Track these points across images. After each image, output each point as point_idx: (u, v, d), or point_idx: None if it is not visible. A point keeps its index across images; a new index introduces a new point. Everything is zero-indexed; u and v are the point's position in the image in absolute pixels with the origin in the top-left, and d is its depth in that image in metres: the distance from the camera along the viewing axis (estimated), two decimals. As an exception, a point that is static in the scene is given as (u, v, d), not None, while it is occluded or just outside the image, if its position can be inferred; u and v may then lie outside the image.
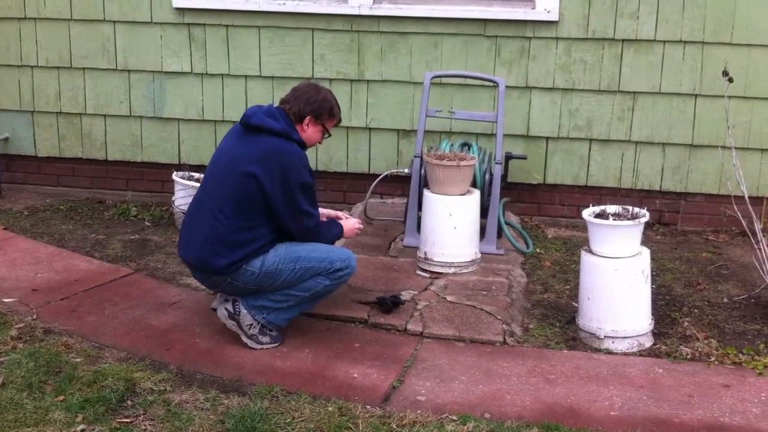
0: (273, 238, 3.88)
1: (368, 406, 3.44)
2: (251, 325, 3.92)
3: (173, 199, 5.72)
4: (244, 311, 3.92)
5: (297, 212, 3.86)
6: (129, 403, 3.43)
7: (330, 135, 4.14)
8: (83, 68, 6.23)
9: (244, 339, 3.94)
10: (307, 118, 3.97)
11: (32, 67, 6.30)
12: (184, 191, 5.61)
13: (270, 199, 3.79)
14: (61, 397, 3.42)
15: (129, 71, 6.18)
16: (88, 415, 3.30)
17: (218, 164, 3.97)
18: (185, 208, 5.61)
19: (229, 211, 3.81)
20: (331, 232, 4.12)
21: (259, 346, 3.93)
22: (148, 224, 5.83)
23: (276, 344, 3.96)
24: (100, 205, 6.24)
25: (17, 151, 6.50)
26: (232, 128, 4.06)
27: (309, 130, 4.00)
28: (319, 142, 4.12)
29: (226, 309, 3.95)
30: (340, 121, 4.15)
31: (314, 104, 3.97)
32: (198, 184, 5.64)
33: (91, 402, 3.38)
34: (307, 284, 3.89)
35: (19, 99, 6.38)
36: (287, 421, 3.29)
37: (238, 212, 3.80)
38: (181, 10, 6.00)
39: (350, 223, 4.26)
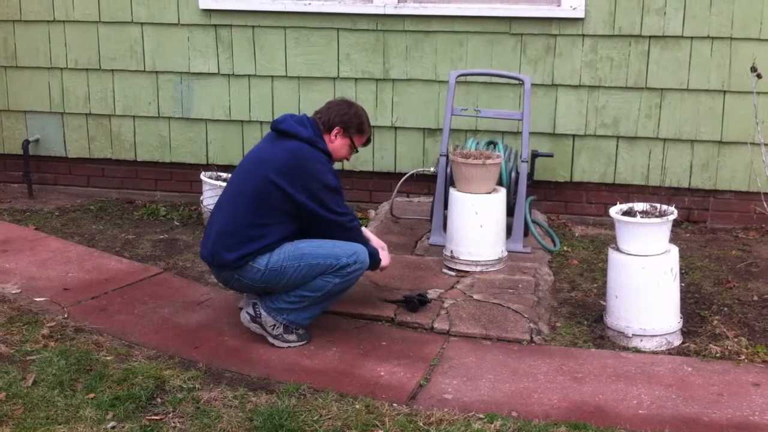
0: (284, 238, 3.90)
1: (395, 404, 3.45)
2: (274, 325, 3.95)
3: (201, 198, 5.76)
4: (264, 314, 3.95)
5: (330, 212, 3.89)
6: (158, 400, 3.46)
7: (357, 151, 4.18)
8: (112, 70, 6.30)
9: (270, 339, 3.97)
10: (336, 128, 4.02)
11: (61, 69, 6.38)
12: (212, 191, 5.65)
13: (297, 203, 3.83)
14: (92, 395, 3.47)
15: (157, 72, 6.24)
16: (118, 412, 3.34)
17: (244, 166, 4.03)
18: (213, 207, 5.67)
19: (244, 206, 3.86)
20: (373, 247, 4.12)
21: (285, 345, 3.95)
22: (177, 224, 5.88)
23: (303, 342, 3.98)
24: (130, 206, 6.30)
25: (47, 153, 6.58)
26: (266, 134, 4.13)
27: (336, 142, 4.04)
28: (347, 158, 4.16)
29: (247, 313, 3.99)
30: (369, 140, 4.19)
31: (344, 116, 4.03)
32: (226, 184, 5.70)
33: (121, 400, 3.42)
34: (316, 284, 3.89)
35: (49, 101, 6.45)
36: (314, 418, 3.31)
37: (252, 208, 3.85)
38: (208, 12, 6.05)
39: (386, 254, 4.22)
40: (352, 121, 4.05)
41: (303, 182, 3.83)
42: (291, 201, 3.83)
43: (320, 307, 4.01)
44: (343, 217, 3.95)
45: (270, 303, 3.95)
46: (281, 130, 3.95)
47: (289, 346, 3.95)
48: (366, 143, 4.19)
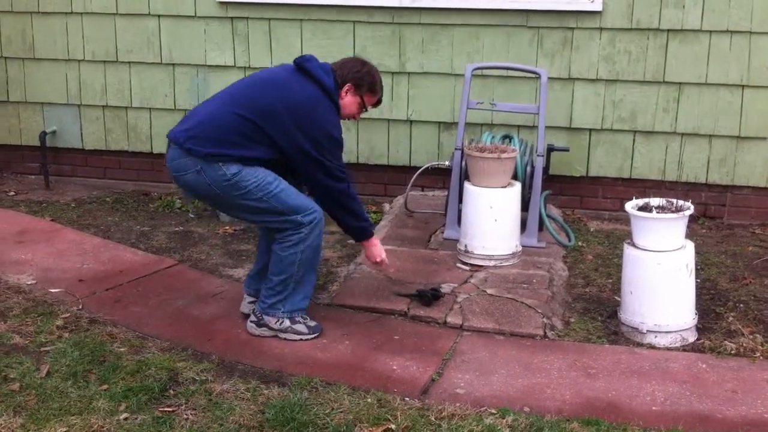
0: (262, 160, 3.82)
1: (407, 398, 3.44)
2: (278, 321, 3.95)
3: (216, 191, 5.77)
4: (264, 315, 3.96)
5: (321, 155, 3.78)
6: (171, 392, 3.47)
7: (367, 110, 4.10)
8: (129, 62, 6.32)
9: (282, 336, 3.96)
10: (348, 85, 3.96)
11: (79, 61, 6.40)
12: (226, 184, 5.66)
13: (293, 140, 3.75)
14: (105, 386, 3.48)
15: (173, 65, 6.25)
16: (131, 403, 3.35)
17: (257, 79, 3.96)
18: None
19: (241, 114, 3.78)
20: (364, 214, 4.03)
21: (297, 337, 3.95)
22: (192, 216, 5.89)
23: (315, 335, 3.97)
24: (146, 198, 6.33)
25: (64, 144, 6.62)
26: (283, 64, 4.06)
27: (347, 98, 3.98)
28: (355, 117, 4.08)
29: (251, 322, 4.00)
30: (380, 101, 4.12)
31: (357, 74, 3.97)
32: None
33: (134, 391, 3.43)
34: (285, 261, 3.84)
35: (66, 93, 6.49)
36: (326, 411, 3.31)
37: (249, 122, 3.77)
38: (225, 4, 6.05)
39: (379, 251, 4.16)
40: (364, 79, 3.99)
41: (309, 127, 3.75)
42: (288, 136, 3.76)
43: (306, 283, 3.96)
44: (331, 163, 3.82)
45: (262, 305, 3.96)
46: (306, 69, 3.88)
47: (302, 339, 3.95)
48: (376, 104, 4.11)
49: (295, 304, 3.96)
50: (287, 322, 3.96)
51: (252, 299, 4.16)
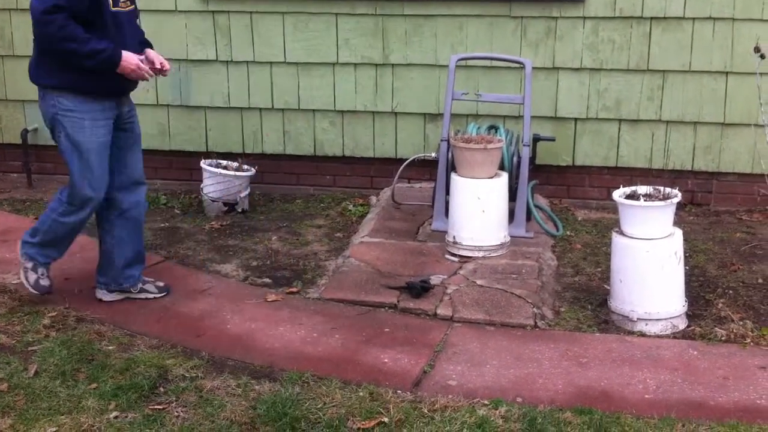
0: (70, 69, 3.87)
1: (399, 391, 3.43)
2: (31, 265, 4.18)
3: (202, 186, 5.74)
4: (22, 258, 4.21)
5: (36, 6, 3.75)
6: (161, 390, 3.45)
7: None
8: (110, 58, 6.25)
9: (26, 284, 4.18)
10: None
11: (59, 57, 6.33)
12: (212, 179, 5.63)
13: None
14: (94, 385, 3.45)
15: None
16: (120, 402, 3.33)
17: None
18: (214, 195, 5.65)
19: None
20: (97, 44, 3.85)
21: (33, 290, 4.18)
22: (178, 212, 5.84)
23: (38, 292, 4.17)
24: (129, 194, 6.26)
25: (46, 142, 6.50)
26: None
27: None
28: None
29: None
30: None
31: None
32: (226, 172, 5.67)
33: (123, 389, 3.40)
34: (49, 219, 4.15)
35: (47, 90, 6.41)
36: (318, 406, 3.29)
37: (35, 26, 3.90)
38: (206, -2, 6.00)
39: (132, 59, 3.98)
40: None
41: None
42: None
43: (49, 246, 4.22)
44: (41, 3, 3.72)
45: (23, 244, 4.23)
46: None
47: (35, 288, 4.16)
48: None
49: (38, 252, 4.17)
50: (29, 271, 4.18)
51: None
